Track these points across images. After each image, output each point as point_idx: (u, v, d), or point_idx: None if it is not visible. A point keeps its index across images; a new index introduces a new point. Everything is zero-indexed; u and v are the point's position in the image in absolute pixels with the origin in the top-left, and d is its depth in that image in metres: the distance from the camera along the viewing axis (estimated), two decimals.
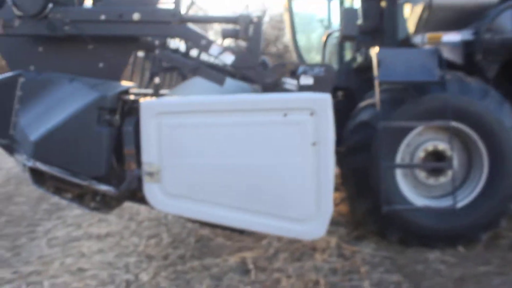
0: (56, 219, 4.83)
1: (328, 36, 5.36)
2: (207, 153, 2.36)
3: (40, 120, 2.51)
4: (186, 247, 3.93)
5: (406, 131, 3.78)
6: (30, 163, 2.47)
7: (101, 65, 2.66)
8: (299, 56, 5.68)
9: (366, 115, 3.82)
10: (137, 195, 2.62)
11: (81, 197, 2.69)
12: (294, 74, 2.49)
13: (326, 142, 2.28)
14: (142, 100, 2.46)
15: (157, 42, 2.60)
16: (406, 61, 3.64)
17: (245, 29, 2.47)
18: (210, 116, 2.35)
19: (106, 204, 2.72)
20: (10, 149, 2.68)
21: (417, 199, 3.92)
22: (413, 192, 3.95)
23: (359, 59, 4.62)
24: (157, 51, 2.61)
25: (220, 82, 2.53)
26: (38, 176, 2.58)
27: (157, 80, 2.63)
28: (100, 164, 2.54)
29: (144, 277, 3.37)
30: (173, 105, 2.42)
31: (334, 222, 4.42)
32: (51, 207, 5.23)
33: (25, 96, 2.56)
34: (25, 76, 2.61)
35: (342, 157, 3.96)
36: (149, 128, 2.36)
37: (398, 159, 3.81)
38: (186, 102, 2.44)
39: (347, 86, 4.84)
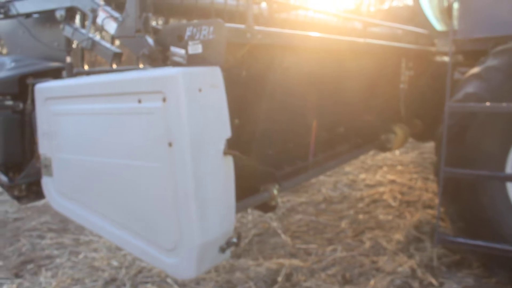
0: None
1: None
2: (78, 148, 1.87)
3: None
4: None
5: None
6: None
7: (56, 44, 2.40)
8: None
9: (463, 92, 2.59)
10: (32, 190, 2.36)
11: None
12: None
13: (183, 144, 1.48)
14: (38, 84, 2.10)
15: (59, 15, 2.15)
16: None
17: None
18: (78, 102, 1.85)
19: (33, 193, 2.47)
20: None
21: None
22: None
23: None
24: (61, 26, 2.19)
25: (111, 59, 1.94)
26: None
27: (68, 59, 2.21)
28: None
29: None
30: (54, 89, 2.00)
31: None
32: None
33: None
34: None
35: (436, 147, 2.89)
36: (41, 115, 2.01)
37: None
38: (60, 85, 1.99)
39: None
